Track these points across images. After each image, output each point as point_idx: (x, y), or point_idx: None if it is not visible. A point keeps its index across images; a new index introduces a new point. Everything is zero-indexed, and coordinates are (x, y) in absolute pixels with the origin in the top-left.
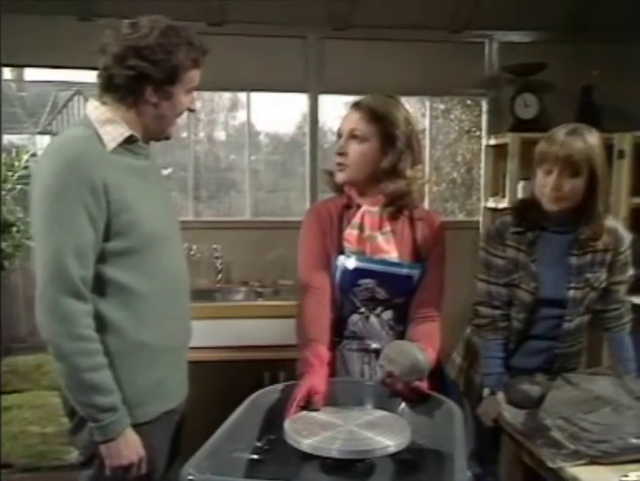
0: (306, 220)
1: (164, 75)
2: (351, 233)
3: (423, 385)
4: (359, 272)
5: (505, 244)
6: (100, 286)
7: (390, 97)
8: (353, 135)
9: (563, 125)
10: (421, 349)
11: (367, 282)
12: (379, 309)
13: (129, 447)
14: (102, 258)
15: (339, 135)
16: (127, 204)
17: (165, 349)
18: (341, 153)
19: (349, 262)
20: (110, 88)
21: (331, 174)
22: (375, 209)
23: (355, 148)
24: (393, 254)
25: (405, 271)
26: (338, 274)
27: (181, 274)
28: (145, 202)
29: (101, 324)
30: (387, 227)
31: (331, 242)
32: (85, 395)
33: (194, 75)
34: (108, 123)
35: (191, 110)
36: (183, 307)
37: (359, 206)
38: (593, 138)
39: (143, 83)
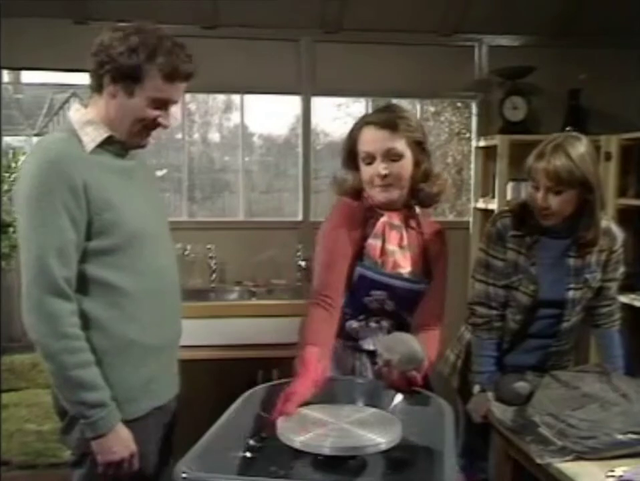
0: (339, 210)
1: (121, 68)
2: (374, 244)
3: (419, 375)
4: (374, 284)
5: (505, 247)
6: (86, 284)
7: (390, 104)
8: (389, 155)
9: (554, 137)
10: (419, 341)
11: (379, 293)
12: (379, 317)
13: (120, 443)
14: (86, 257)
15: (369, 158)
16: (109, 203)
17: (153, 346)
18: (385, 175)
19: (367, 273)
20: (89, 83)
21: (342, 180)
22: (397, 222)
23: (394, 167)
24: (407, 269)
25: (415, 286)
26: (353, 282)
27: (169, 273)
28: (129, 201)
29: (88, 322)
30: (406, 241)
31: (354, 245)
32: (74, 393)
33: (163, 87)
34: (88, 125)
35: (163, 126)
36: (172, 306)
37: (376, 213)
38: (581, 148)
39: (104, 71)
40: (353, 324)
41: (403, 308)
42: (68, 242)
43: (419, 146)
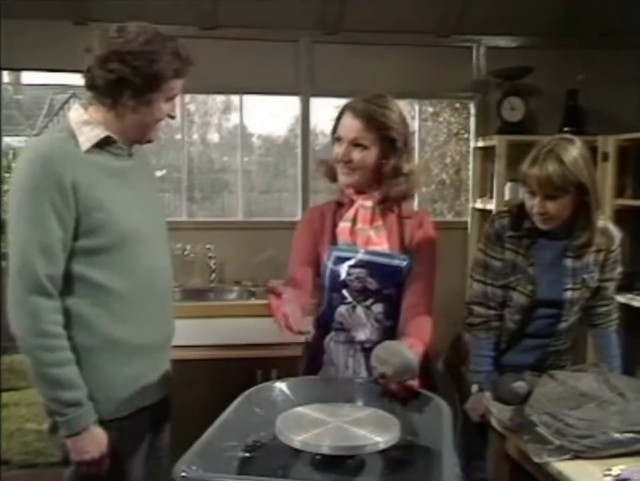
0: (298, 225)
1: (143, 82)
2: (344, 226)
3: (416, 383)
4: (350, 262)
5: (503, 247)
6: (72, 283)
7: (381, 96)
8: (355, 144)
9: (547, 141)
10: (410, 348)
11: (358, 271)
12: (369, 301)
13: (94, 443)
14: (74, 255)
15: (338, 139)
16: (99, 203)
17: (140, 346)
18: (346, 161)
19: (341, 253)
20: (92, 87)
21: (326, 163)
22: (369, 204)
23: (357, 155)
24: (383, 246)
25: (394, 262)
26: (330, 265)
27: (161, 273)
28: (122, 201)
29: (73, 320)
30: (379, 222)
31: (323, 239)
32: (50, 390)
33: (175, 84)
34: (85, 125)
35: (171, 117)
36: (162, 306)
37: (352, 201)
38: (574, 151)
39: (122, 87)
40: (342, 309)
41: (387, 286)
42: (54, 240)
43: (391, 143)
